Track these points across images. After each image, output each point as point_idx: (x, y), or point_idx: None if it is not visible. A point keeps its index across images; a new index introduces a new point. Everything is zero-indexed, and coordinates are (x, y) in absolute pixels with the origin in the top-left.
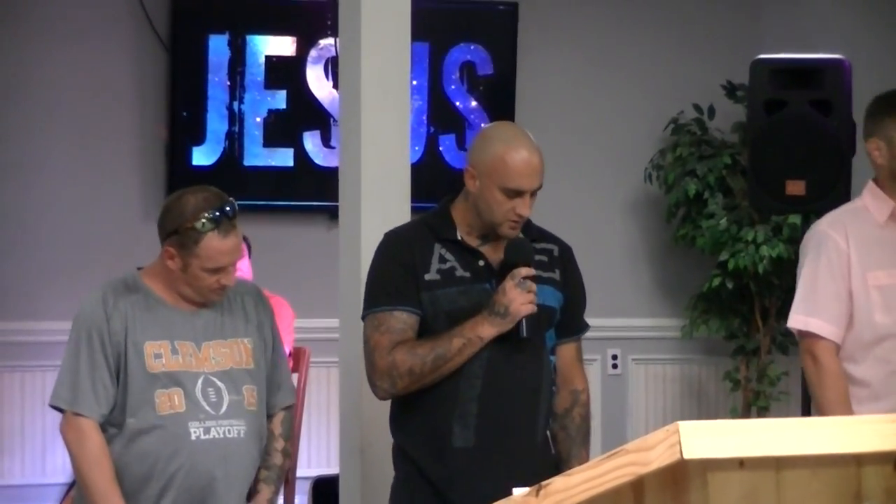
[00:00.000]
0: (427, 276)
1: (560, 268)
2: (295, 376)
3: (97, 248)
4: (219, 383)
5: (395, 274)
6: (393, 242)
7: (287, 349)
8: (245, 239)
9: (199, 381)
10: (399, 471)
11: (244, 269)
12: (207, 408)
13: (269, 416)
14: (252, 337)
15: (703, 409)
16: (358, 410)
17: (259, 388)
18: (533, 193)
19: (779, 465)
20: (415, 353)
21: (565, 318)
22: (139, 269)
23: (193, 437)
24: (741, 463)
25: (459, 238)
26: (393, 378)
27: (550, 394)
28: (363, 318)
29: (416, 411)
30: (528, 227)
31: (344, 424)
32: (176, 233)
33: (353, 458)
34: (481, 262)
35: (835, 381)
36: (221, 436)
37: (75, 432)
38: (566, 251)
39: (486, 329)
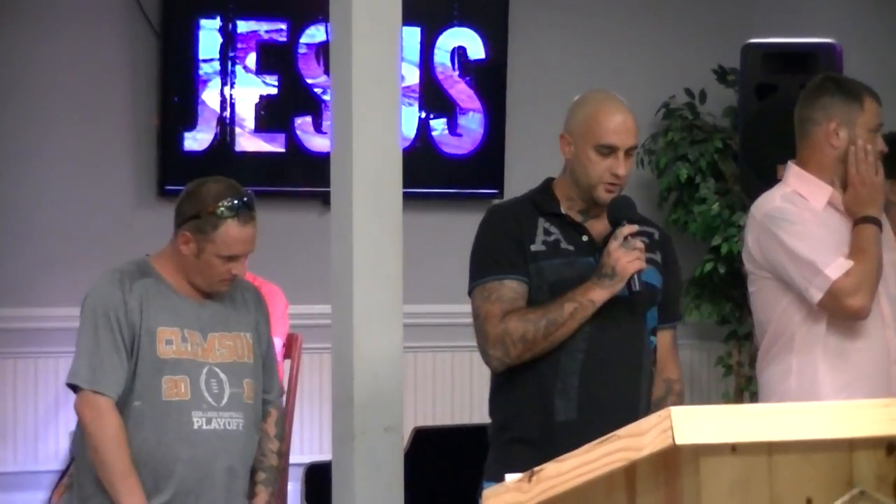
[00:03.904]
0: (533, 247)
1: (661, 252)
2: (287, 363)
3: (90, 235)
4: (221, 375)
5: (503, 244)
6: (498, 215)
7: (280, 339)
8: None
9: (204, 372)
10: (498, 450)
11: None
12: (210, 398)
13: (262, 415)
14: (251, 332)
15: (696, 393)
16: (350, 397)
17: (256, 383)
18: (628, 155)
19: (771, 450)
20: (527, 319)
21: (663, 303)
22: (148, 255)
23: (196, 426)
24: (733, 448)
25: (563, 212)
26: (506, 346)
27: (651, 374)
28: (470, 291)
29: (518, 388)
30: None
31: (336, 411)
32: (196, 217)
33: (346, 444)
34: (584, 237)
35: None
36: (222, 427)
37: (93, 410)
38: (666, 237)
39: (596, 293)
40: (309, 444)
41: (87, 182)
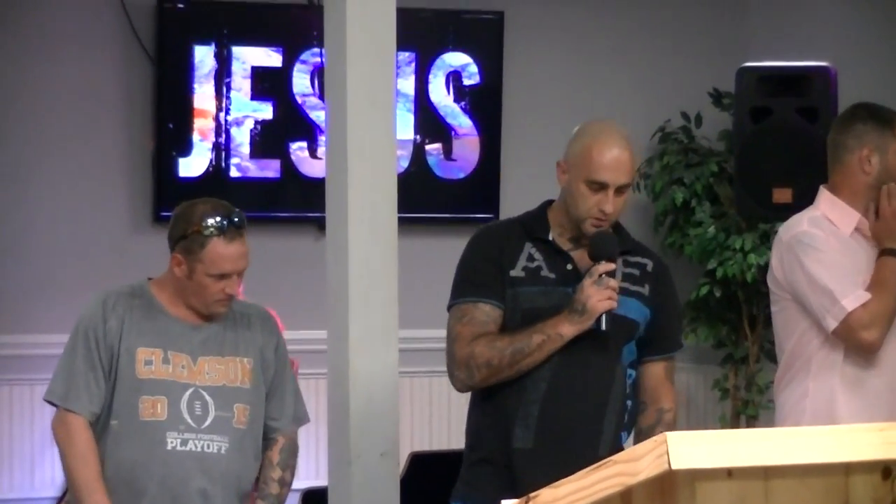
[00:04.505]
0: (512, 273)
1: (651, 284)
2: None
3: (85, 261)
4: (207, 398)
5: (483, 267)
6: (483, 236)
7: None
8: None
9: (187, 394)
10: (465, 471)
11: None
12: (189, 420)
13: (268, 443)
14: (253, 357)
15: (693, 417)
16: (346, 422)
17: (254, 408)
18: (620, 192)
19: (767, 474)
20: (494, 345)
21: (653, 335)
22: (150, 279)
23: (169, 446)
24: (729, 473)
25: (551, 238)
26: (471, 369)
27: (622, 407)
28: (448, 308)
29: (485, 410)
30: (624, 238)
31: (332, 436)
32: (183, 237)
33: (342, 469)
34: (569, 266)
35: None
36: (199, 449)
37: (64, 428)
38: (661, 268)
39: (565, 327)
40: (305, 469)
41: (83, 208)
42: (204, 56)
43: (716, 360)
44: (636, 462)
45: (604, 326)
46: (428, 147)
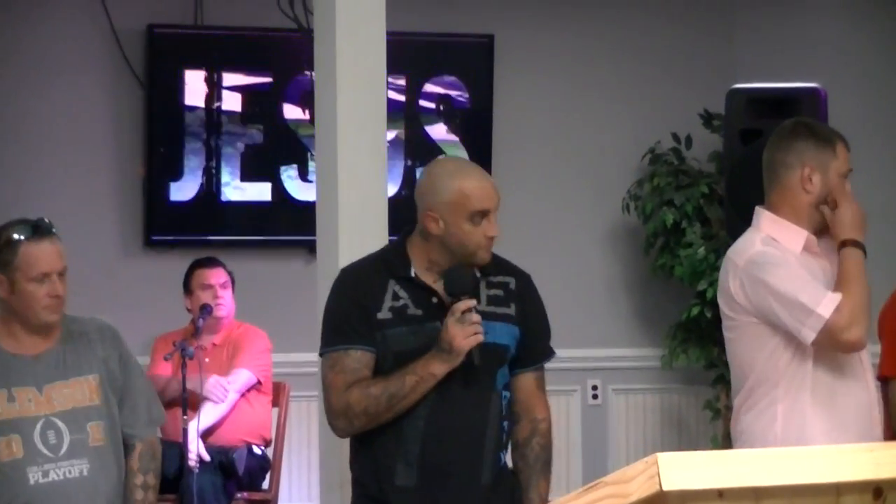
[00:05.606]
0: (379, 315)
1: (516, 301)
2: (275, 411)
3: (76, 286)
4: (60, 424)
5: (350, 313)
6: (347, 280)
7: (256, 376)
8: (230, 273)
9: (39, 426)
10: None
11: (228, 302)
12: (46, 451)
13: (127, 450)
14: (98, 373)
15: (684, 438)
16: (338, 445)
17: (108, 423)
18: (494, 211)
19: (757, 495)
20: (368, 393)
21: (524, 349)
22: None
23: (32, 481)
24: (720, 494)
25: (413, 275)
26: (349, 418)
27: (500, 430)
28: (320, 355)
29: (366, 449)
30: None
31: (324, 459)
32: None
33: (334, 492)
34: (434, 300)
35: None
36: (61, 477)
37: None
38: (524, 282)
39: (436, 366)
40: (297, 491)
41: (75, 232)
42: (194, 81)
43: (707, 381)
44: (627, 484)
45: (476, 361)
46: (418, 170)
